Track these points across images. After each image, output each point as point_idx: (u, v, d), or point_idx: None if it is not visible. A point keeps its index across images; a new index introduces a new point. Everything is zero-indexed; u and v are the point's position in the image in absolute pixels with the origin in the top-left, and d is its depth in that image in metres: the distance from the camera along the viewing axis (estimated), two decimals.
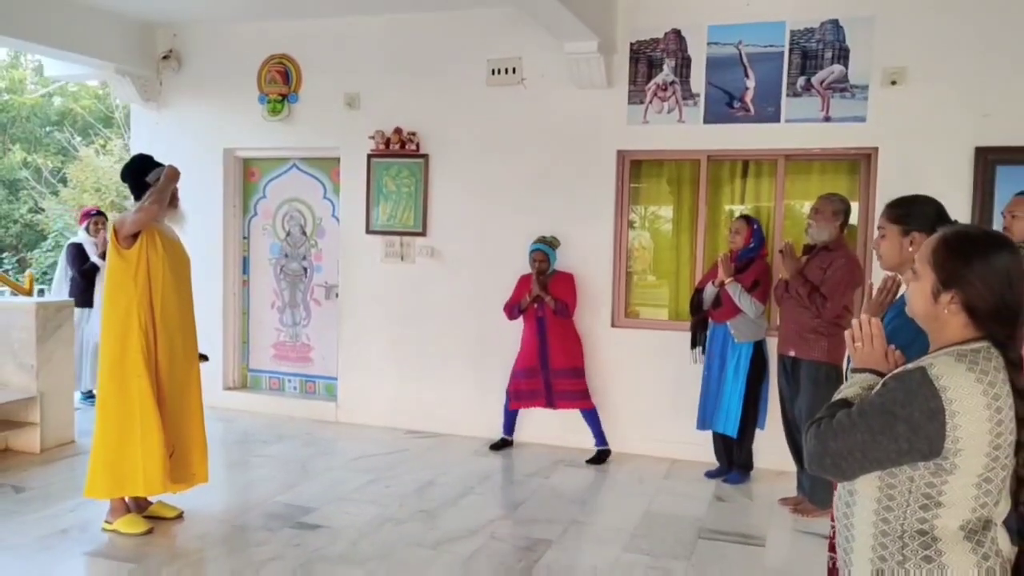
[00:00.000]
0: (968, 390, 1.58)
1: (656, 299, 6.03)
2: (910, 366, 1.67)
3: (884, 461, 1.65)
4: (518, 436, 5.88)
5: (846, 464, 1.70)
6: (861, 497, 1.74)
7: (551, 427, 5.83)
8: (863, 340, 1.85)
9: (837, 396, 1.83)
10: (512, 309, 5.60)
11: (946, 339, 1.70)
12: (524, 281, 5.60)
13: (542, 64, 5.74)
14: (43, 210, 16.17)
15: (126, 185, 4.25)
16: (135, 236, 3.98)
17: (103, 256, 6.21)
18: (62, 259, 6.73)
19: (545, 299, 5.44)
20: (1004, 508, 1.69)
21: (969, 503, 1.63)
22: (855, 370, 1.87)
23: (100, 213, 6.79)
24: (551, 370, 5.52)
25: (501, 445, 5.80)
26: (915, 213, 2.40)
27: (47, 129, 17.57)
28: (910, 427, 1.61)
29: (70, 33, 6.07)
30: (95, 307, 6.44)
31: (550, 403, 5.57)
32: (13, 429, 5.43)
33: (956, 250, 1.67)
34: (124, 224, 3.98)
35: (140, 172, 4.14)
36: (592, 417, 5.60)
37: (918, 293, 1.73)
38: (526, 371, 5.58)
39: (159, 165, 4.15)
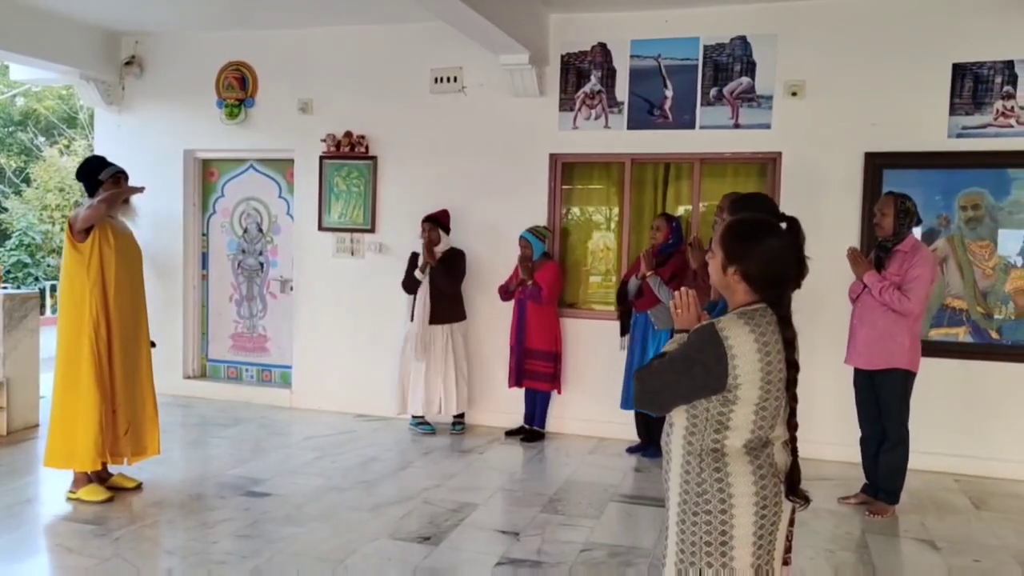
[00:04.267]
0: (744, 339, 2.07)
1: (591, 291, 6.52)
2: (704, 323, 2.16)
3: (687, 396, 2.14)
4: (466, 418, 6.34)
5: (660, 399, 2.20)
6: (676, 427, 2.22)
7: (495, 408, 6.30)
8: (682, 307, 2.34)
9: (661, 351, 2.32)
10: (502, 291, 6.01)
11: (736, 302, 2.20)
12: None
13: (481, 74, 6.21)
14: (7, 210, 16.29)
15: (81, 184, 4.65)
16: (88, 230, 4.36)
17: (424, 269, 5.96)
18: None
19: (527, 283, 5.85)
20: (780, 431, 2.19)
21: (749, 426, 2.11)
22: (677, 331, 2.35)
23: (429, 219, 6.00)
24: (525, 349, 5.93)
25: (518, 433, 6.10)
26: (753, 208, 2.90)
27: (10, 129, 17.69)
28: (704, 368, 2.09)
29: (37, 40, 6.42)
30: (416, 321, 5.97)
31: (518, 381, 5.99)
32: None
33: (736, 234, 2.17)
34: (76, 220, 4.37)
35: (93, 172, 4.52)
36: (544, 400, 6.06)
37: (714, 267, 2.23)
38: (510, 350, 6.02)
39: (111, 165, 4.55)
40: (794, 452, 2.21)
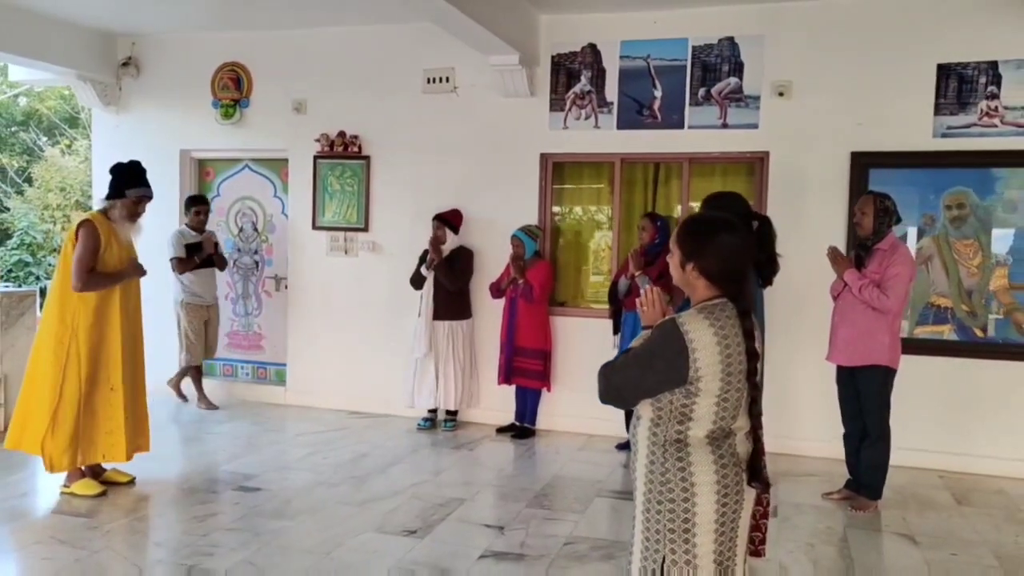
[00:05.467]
0: (703, 332, 2.13)
1: (581, 290, 6.58)
2: (666, 319, 2.22)
3: (651, 389, 2.20)
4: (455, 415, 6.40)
5: (625, 394, 2.26)
6: (642, 419, 2.28)
7: (487, 406, 6.37)
8: (647, 305, 2.40)
9: (627, 348, 2.38)
10: (494, 289, 6.09)
11: (697, 298, 2.26)
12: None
13: (472, 74, 6.28)
14: (8, 209, 16.38)
15: (111, 176, 4.62)
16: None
17: (429, 266, 6.02)
18: None
19: (519, 281, 5.92)
20: (743, 422, 2.24)
21: (711, 417, 2.17)
22: (644, 327, 2.41)
23: (438, 217, 6.12)
24: (515, 347, 6.01)
25: (509, 430, 6.18)
26: (725, 207, 2.97)
27: (12, 129, 17.78)
28: (666, 362, 2.15)
29: (34, 41, 6.50)
30: (421, 316, 6.08)
31: (507, 378, 6.07)
32: None
33: (692, 233, 2.24)
34: (78, 253, 4.37)
35: (126, 181, 4.55)
36: (535, 397, 6.13)
37: (673, 266, 2.29)
38: (500, 348, 6.10)
39: (144, 184, 4.59)
40: (756, 440, 2.27)
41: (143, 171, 4.65)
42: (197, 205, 6.67)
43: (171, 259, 6.52)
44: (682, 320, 2.16)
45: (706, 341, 2.13)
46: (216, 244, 6.75)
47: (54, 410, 4.42)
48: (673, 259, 2.28)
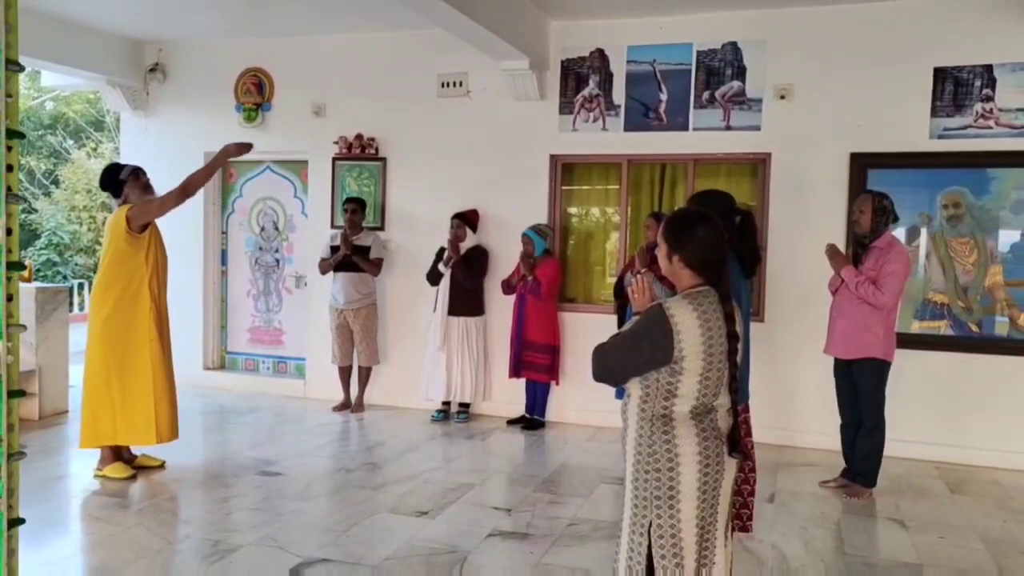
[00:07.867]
0: (687, 316, 2.34)
1: (589, 286, 6.79)
2: (653, 304, 2.44)
3: (639, 368, 2.42)
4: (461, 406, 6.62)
5: (616, 372, 2.47)
6: (632, 396, 2.50)
7: (499, 399, 6.59)
8: (638, 292, 2.61)
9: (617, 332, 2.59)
10: (505, 285, 6.32)
11: (683, 287, 2.47)
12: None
13: (485, 78, 6.51)
14: (36, 211, 16.83)
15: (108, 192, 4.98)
16: (145, 226, 4.71)
17: (447, 263, 6.23)
18: None
19: (528, 278, 6.14)
20: (724, 400, 2.45)
21: (694, 394, 2.38)
22: (635, 313, 2.62)
23: (458, 216, 6.34)
24: (524, 341, 6.24)
25: (519, 422, 6.40)
26: (710, 205, 3.17)
27: (40, 132, 18.23)
28: (652, 343, 2.37)
29: (66, 49, 6.82)
30: (436, 312, 6.32)
31: (516, 371, 6.30)
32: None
33: (675, 227, 2.46)
34: (150, 200, 4.69)
35: (113, 176, 4.86)
36: (544, 390, 6.35)
37: (661, 258, 2.51)
38: (510, 342, 6.33)
39: (126, 166, 4.91)
40: (735, 415, 2.48)
41: (118, 163, 4.98)
42: (346, 204, 6.57)
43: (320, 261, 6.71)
44: (668, 305, 2.37)
45: (689, 324, 2.34)
46: (371, 247, 6.54)
47: (158, 391, 4.69)
48: (661, 253, 2.50)
